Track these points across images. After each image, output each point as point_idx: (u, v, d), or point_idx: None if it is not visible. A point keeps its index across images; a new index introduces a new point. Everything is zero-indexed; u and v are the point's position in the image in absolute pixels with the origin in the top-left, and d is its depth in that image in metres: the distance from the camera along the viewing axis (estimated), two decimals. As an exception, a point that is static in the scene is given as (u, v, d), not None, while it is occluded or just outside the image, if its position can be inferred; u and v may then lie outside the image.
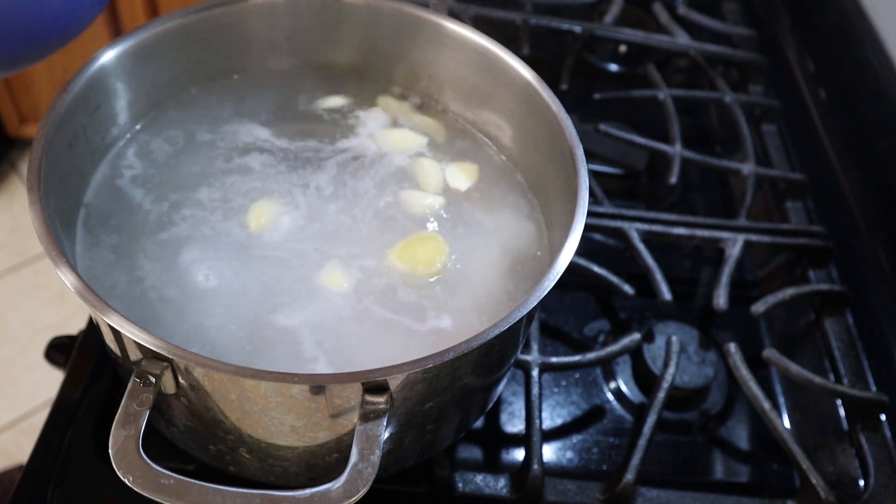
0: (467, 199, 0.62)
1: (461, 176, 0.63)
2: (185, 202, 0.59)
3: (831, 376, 0.72)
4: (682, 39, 0.99)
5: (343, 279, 0.55)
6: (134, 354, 0.44)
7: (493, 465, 0.66)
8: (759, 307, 0.72)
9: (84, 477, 0.58)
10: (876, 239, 0.78)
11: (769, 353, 0.69)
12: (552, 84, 0.60)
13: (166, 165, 0.61)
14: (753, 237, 0.78)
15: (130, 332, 0.42)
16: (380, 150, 0.64)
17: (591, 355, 0.67)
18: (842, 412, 0.70)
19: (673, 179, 0.83)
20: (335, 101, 0.67)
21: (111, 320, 0.43)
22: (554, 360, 0.66)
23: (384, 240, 0.58)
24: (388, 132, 0.65)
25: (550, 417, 0.69)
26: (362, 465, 0.42)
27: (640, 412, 0.70)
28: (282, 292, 0.54)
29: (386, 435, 0.44)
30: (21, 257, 1.84)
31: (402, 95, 0.69)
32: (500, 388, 0.61)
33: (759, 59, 1.00)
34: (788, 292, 0.74)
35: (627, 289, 0.72)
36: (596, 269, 0.73)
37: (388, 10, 0.64)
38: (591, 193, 0.70)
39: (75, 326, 0.72)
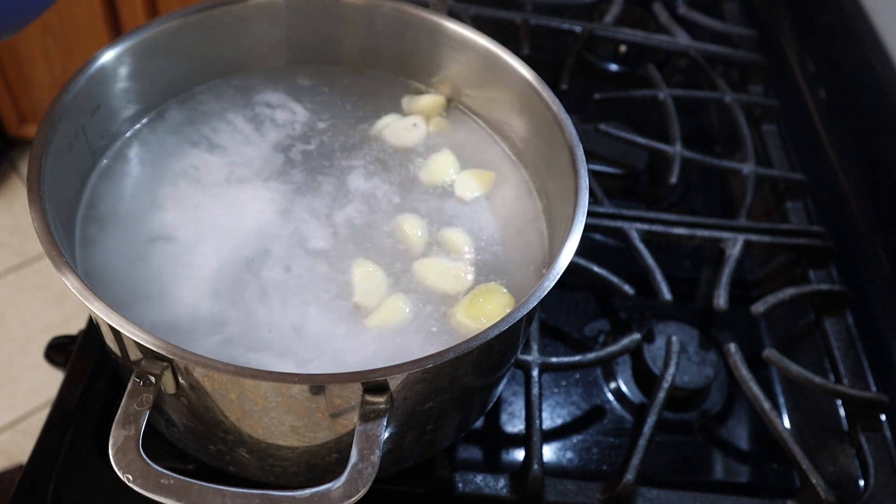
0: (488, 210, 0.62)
1: (474, 183, 0.63)
2: (186, 202, 0.58)
3: (831, 376, 0.72)
4: (682, 39, 0.99)
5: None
6: (134, 354, 0.44)
7: (493, 465, 0.66)
8: (759, 307, 0.72)
9: (84, 477, 0.58)
10: (876, 239, 0.78)
11: (769, 353, 0.69)
12: (552, 84, 0.60)
13: (166, 165, 0.60)
14: (753, 237, 0.78)
15: (130, 332, 0.42)
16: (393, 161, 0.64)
17: (591, 355, 0.67)
18: (842, 412, 0.70)
19: (673, 179, 0.83)
20: (338, 103, 0.67)
21: (111, 320, 0.43)
22: (554, 360, 0.66)
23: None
24: (431, 160, 0.64)
25: (550, 417, 0.69)
26: (362, 465, 0.42)
27: (640, 412, 0.70)
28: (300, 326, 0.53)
29: (386, 435, 0.44)
30: (21, 257, 1.84)
31: (414, 92, 0.68)
32: (500, 388, 0.61)
33: (759, 59, 1.00)
34: (788, 292, 0.74)
35: (627, 289, 0.72)
36: (596, 269, 0.73)
37: (388, 10, 0.64)
38: (591, 193, 0.70)
39: (75, 326, 0.72)
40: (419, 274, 0.56)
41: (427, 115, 0.66)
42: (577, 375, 0.72)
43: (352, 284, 0.55)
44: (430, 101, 0.67)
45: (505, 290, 0.55)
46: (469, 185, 0.62)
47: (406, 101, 0.67)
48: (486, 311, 0.54)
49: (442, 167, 0.63)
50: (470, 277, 0.57)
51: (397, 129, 0.65)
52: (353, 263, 0.56)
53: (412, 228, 0.59)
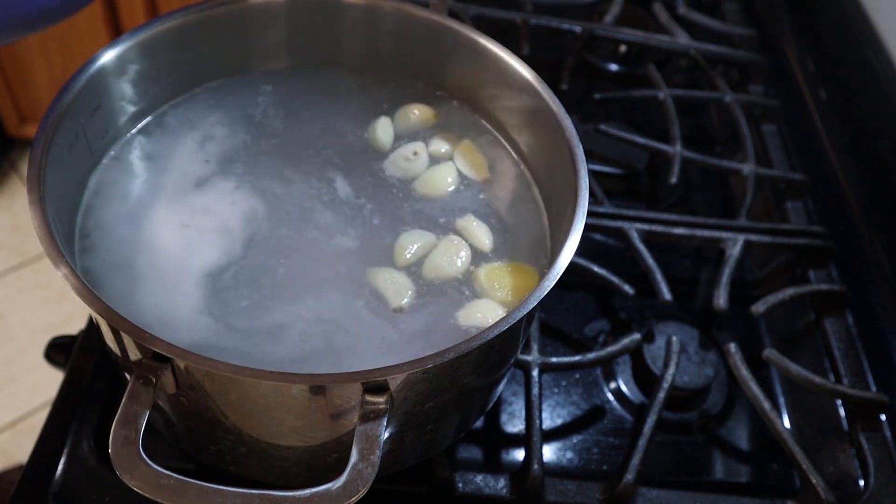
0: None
1: (471, 169, 0.63)
2: (186, 202, 0.58)
3: (831, 376, 0.72)
4: (682, 39, 0.99)
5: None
6: (134, 354, 0.44)
7: (493, 465, 0.66)
8: (759, 307, 0.72)
9: (84, 477, 0.58)
10: (876, 239, 0.78)
11: (769, 353, 0.69)
12: (552, 84, 0.60)
13: (166, 165, 0.60)
14: (753, 237, 0.78)
15: (130, 332, 0.42)
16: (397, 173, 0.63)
17: (591, 355, 0.67)
18: (842, 412, 0.70)
19: (673, 179, 0.83)
20: (338, 105, 0.67)
21: (111, 320, 0.43)
22: (554, 360, 0.66)
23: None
24: (428, 174, 0.63)
25: (550, 417, 0.69)
26: (362, 465, 0.42)
27: (640, 412, 0.70)
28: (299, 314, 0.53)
29: (386, 435, 0.44)
30: (21, 257, 1.84)
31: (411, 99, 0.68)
32: (500, 388, 0.61)
33: (759, 59, 1.00)
34: (788, 292, 0.74)
35: (627, 289, 0.72)
36: (596, 269, 0.73)
37: (388, 10, 0.64)
38: (591, 193, 0.69)
39: (75, 326, 0.72)
40: (429, 271, 0.57)
41: (420, 128, 0.66)
42: (577, 375, 0.72)
43: (377, 293, 0.55)
44: (421, 115, 0.66)
45: (537, 277, 0.56)
46: (466, 176, 0.63)
47: (399, 115, 0.66)
48: (509, 283, 0.55)
49: (440, 178, 0.63)
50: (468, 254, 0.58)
51: (397, 159, 0.63)
52: (368, 273, 0.56)
53: (406, 246, 0.58)
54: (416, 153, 0.63)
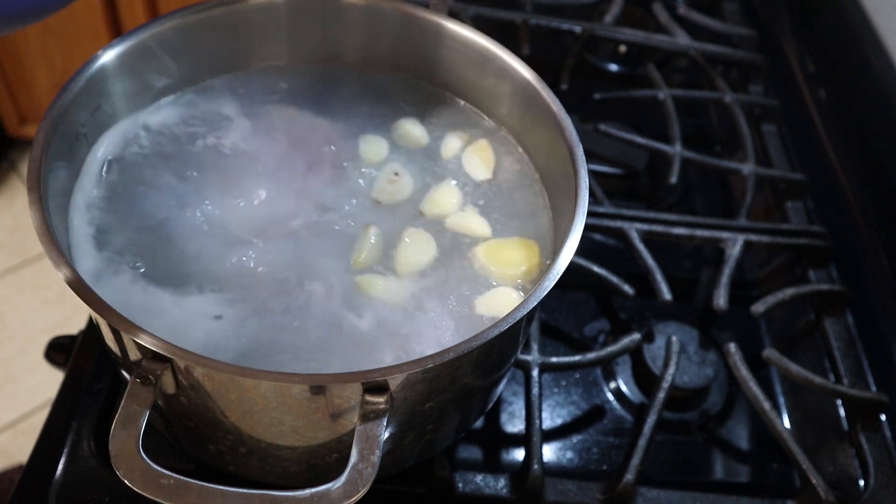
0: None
1: (480, 167, 0.63)
2: (186, 202, 0.58)
3: (831, 376, 0.72)
4: (682, 39, 0.99)
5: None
6: (134, 354, 0.44)
7: (493, 465, 0.66)
8: (759, 307, 0.72)
9: (84, 477, 0.58)
10: (876, 239, 0.78)
11: (769, 353, 0.69)
12: (552, 84, 0.60)
13: (167, 166, 0.60)
14: (753, 237, 0.78)
15: (130, 332, 0.42)
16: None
17: (591, 355, 0.67)
18: (842, 412, 0.70)
19: (673, 179, 0.83)
20: (337, 105, 0.67)
21: (111, 320, 0.43)
22: (554, 360, 0.66)
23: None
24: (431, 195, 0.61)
25: (550, 417, 0.69)
26: (362, 465, 0.42)
27: (640, 412, 0.70)
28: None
29: (386, 435, 0.44)
30: (21, 257, 1.84)
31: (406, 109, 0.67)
32: (500, 388, 0.61)
33: (759, 59, 1.00)
34: (788, 292, 0.74)
35: (627, 289, 0.72)
36: (596, 269, 0.73)
37: (388, 10, 0.64)
38: (591, 193, 0.69)
39: (75, 326, 0.72)
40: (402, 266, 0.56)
41: (413, 146, 0.65)
42: (577, 375, 0.72)
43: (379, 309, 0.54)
44: (415, 132, 0.65)
45: (538, 249, 0.56)
46: (476, 167, 0.63)
47: (394, 129, 0.65)
48: (507, 256, 0.56)
49: (446, 198, 0.61)
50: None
51: (382, 182, 0.61)
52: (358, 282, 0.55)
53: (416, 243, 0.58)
54: (396, 174, 0.61)
